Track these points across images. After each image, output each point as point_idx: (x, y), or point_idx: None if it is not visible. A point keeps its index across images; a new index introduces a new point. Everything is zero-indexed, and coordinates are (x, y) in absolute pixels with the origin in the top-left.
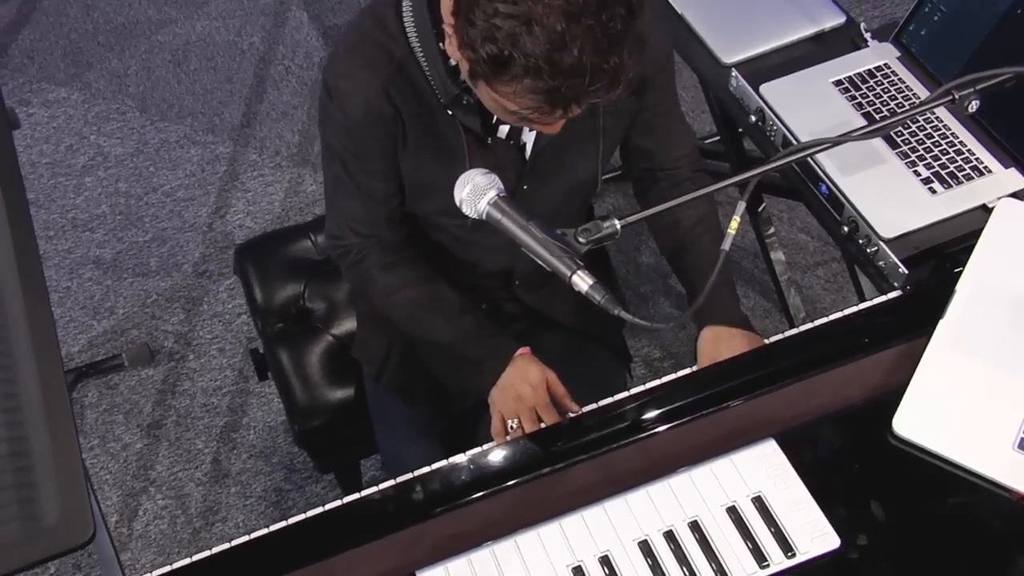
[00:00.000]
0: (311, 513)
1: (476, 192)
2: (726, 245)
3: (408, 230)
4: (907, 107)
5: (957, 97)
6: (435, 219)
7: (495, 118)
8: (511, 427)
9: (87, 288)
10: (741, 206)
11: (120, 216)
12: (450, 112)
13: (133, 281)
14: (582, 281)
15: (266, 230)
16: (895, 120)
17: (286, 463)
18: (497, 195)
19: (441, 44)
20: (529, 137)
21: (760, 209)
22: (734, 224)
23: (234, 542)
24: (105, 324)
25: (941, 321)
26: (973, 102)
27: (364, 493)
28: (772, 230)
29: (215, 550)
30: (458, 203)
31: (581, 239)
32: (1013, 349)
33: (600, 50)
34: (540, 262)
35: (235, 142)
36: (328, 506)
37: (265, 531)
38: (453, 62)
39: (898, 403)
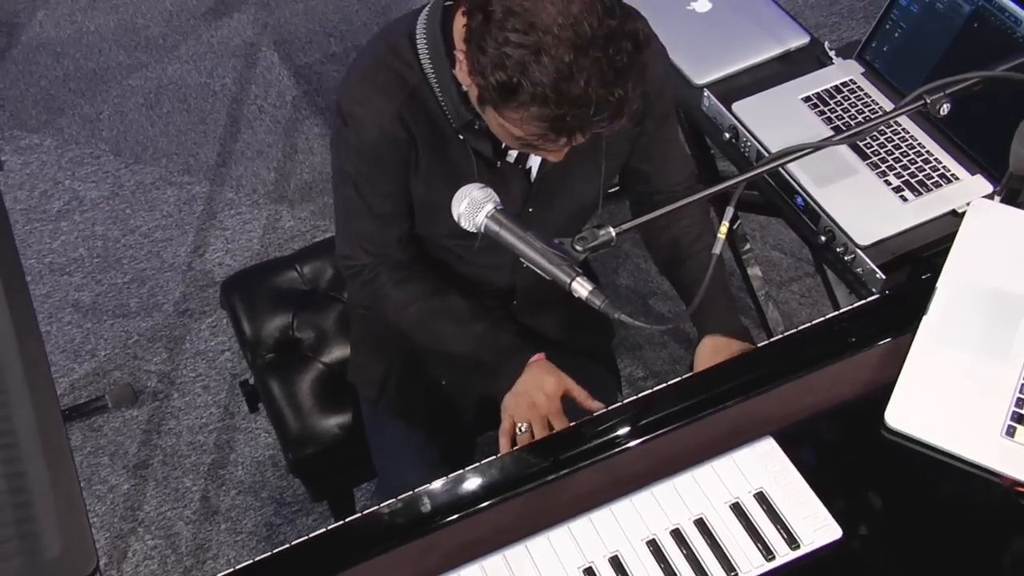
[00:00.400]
0: (320, 532)
1: (473, 206)
2: (717, 249)
3: (415, 249)
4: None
5: (929, 101)
6: (441, 241)
7: (504, 143)
8: (520, 431)
9: (67, 332)
10: (730, 211)
11: (98, 259)
12: (461, 137)
13: (113, 323)
14: (581, 287)
15: (246, 267)
16: (872, 124)
17: (276, 497)
18: (494, 208)
19: (454, 70)
20: (535, 161)
21: (735, 226)
22: (723, 228)
23: (239, 566)
24: (87, 367)
25: (924, 317)
26: (944, 105)
27: (373, 508)
28: (748, 247)
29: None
30: (456, 217)
31: (578, 247)
32: (994, 340)
33: (606, 82)
34: (539, 271)
35: (211, 182)
36: (337, 524)
37: (271, 553)
38: (465, 88)
39: (888, 397)
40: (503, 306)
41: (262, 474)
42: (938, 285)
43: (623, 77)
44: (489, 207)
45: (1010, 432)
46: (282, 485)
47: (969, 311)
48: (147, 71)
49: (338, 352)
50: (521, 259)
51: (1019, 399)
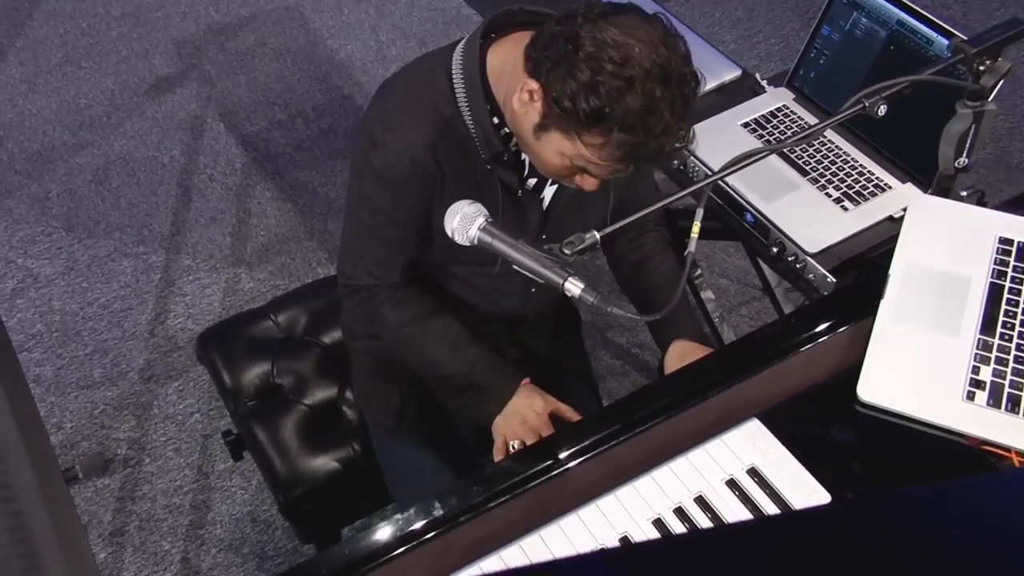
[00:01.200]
0: (338, 540)
1: (466, 220)
2: (692, 248)
3: (414, 271)
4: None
5: (867, 104)
6: (454, 269)
7: (525, 172)
8: (512, 447)
9: None
10: (699, 212)
11: (57, 333)
12: (489, 167)
13: (78, 394)
14: (574, 286)
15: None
16: (820, 127)
17: (257, 552)
18: (485, 221)
19: (488, 105)
20: (548, 192)
21: (685, 252)
22: (695, 228)
23: None
24: (53, 440)
25: (881, 301)
26: (881, 107)
27: (388, 516)
28: (699, 272)
29: None
30: (449, 233)
31: (566, 251)
32: (946, 316)
33: (679, 116)
34: (532, 276)
35: (167, 250)
36: (352, 532)
37: (294, 565)
38: (496, 120)
39: (859, 375)
40: (508, 331)
41: (241, 530)
42: (890, 272)
43: (690, 112)
44: (480, 220)
45: (970, 396)
46: (263, 539)
47: (920, 292)
48: (93, 148)
49: (321, 393)
50: (515, 266)
51: (974, 367)
